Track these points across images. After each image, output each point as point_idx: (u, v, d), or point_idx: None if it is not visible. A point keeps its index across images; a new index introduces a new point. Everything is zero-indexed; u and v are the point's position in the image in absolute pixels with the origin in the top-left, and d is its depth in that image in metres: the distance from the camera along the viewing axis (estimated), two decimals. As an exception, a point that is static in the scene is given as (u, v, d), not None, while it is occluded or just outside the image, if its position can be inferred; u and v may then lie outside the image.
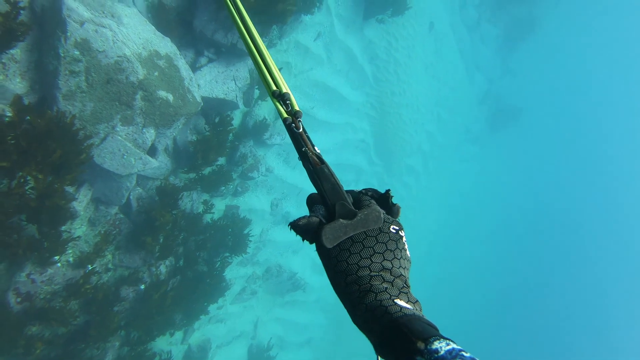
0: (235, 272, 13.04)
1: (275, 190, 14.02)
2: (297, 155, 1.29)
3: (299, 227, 1.07)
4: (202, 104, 8.39)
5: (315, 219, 1.08)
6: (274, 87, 1.46)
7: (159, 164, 8.30)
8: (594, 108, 47.54)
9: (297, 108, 1.38)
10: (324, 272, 1.11)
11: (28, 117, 6.15)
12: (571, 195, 47.81)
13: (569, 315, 45.44)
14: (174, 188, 9.04)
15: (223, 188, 11.11)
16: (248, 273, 14.20)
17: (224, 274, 11.51)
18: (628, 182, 49.52)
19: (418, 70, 18.97)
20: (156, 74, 7.28)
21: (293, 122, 1.33)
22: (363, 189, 1.22)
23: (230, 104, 9.66)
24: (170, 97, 7.52)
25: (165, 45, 7.60)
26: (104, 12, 6.68)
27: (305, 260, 16.77)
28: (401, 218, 1.17)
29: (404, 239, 1.11)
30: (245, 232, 11.64)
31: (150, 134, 7.56)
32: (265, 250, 14.40)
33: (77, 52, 6.34)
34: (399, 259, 1.05)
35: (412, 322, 0.81)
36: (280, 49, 11.82)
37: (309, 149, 1.25)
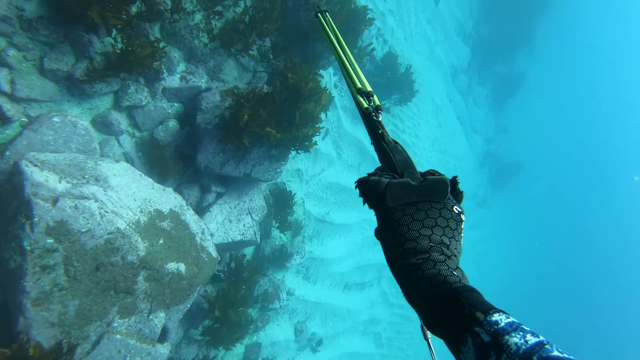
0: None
1: (298, 312, 12.00)
2: (370, 142, 1.42)
3: (368, 183, 1.07)
4: (219, 259, 6.54)
5: (385, 179, 1.06)
6: (359, 86, 1.57)
7: (171, 347, 6.28)
8: (589, 150, 47.71)
9: (378, 103, 1.49)
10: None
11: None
12: (585, 238, 46.52)
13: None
14: (190, 367, 6.96)
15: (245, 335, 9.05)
16: (280, 414, 11.87)
17: None
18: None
19: (426, 148, 17.74)
20: (161, 241, 5.45)
21: (374, 111, 1.43)
22: (429, 170, 1.16)
23: (247, 243, 7.83)
24: (182, 267, 5.65)
25: (168, 200, 5.83)
26: (84, 177, 4.93)
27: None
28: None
29: (463, 225, 1.08)
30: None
31: (159, 319, 5.61)
32: (293, 382, 12.17)
33: (50, 241, 4.51)
34: (456, 240, 1.03)
35: (472, 294, 0.79)
36: (290, 156, 10.26)
37: (385, 132, 1.35)
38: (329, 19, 2.18)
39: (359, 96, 1.54)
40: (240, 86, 7.33)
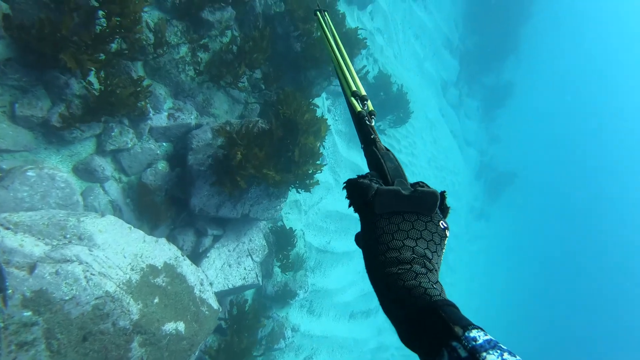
0: None
1: (304, 349, 11.42)
2: (361, 146, 1.40)
3: (358, 185, 1.04)
4: (220, 310, 5.99)
5: (375, 184, 1.02)
6: (354, 89, 1.55)
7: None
8: (581, 152, 48.07)
9: (372, 108, 1.48)
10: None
11: None
12: (584, 242, 46.36)
13: None
14: None
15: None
16: None
17: None
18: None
19: (423, 167, 17.41)
20: (156, 300, 4.90)
21: (367, 116, 1.41)
22: (419, 181, 1.13)
23: (249, 287, 7.28)
24: (182, 326, 5.09)
25: (161, 252, 5.29)
26: (66, 237, 4.39)
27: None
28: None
29: (446, 241, 1.05)
30: None
31: (157, 386, 5.02)
32: None
33: (27, 314, 3.95)
34: (438, 256, 1.00)
35: (451, 308, 0.79)
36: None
37: (377, 137, 1.32)
38: (327, 18, 2.15)
39: (352, 99, 1.52)
40: (232, 121, 6.86)
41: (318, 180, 6.89)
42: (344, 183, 1.10)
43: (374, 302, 15.20)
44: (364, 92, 1.54)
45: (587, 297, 44.78)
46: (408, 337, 0.82)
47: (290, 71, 8.30)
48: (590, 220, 47.49)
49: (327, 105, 11.62)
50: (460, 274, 24.59)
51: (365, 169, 9.60)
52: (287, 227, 8.84)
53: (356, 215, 1.08)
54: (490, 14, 25.21)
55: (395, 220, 0.99)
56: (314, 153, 6.40)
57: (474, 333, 0.70)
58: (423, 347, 0.77)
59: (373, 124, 1.40)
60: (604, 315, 43.92)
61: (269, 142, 6.11)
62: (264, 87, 7.74)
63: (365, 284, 14.12)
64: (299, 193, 7.12)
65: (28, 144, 5.12)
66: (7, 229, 4.07)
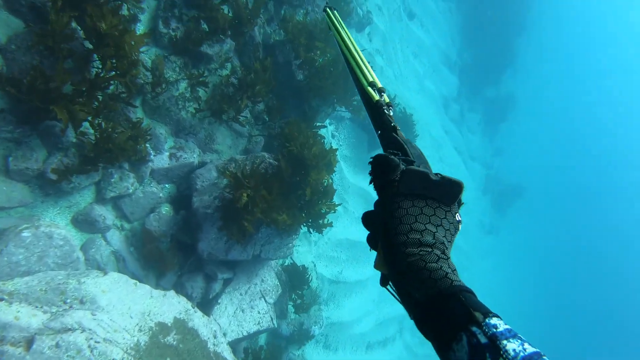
0: None
1: (323, 384, 10.90)
2: (377, 132, 1.37)
3: (387, 162, 1.01)
4: (235, 362, 5.57)
5: (402, 164, 1.01)
6: (370, 80, 1.52)
7: None
8: (586, 159, 47.78)
9: (388, 101, 1.44)
10: None
11: None
12: (596, 248, 45.72)
13: None
14: None
15: None
16: None
17: None
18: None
19: (430, 187, 17.03)
20: (167, 362, 4.49)
21: (384, 106, 1.38)
22: (437, 172, 1.06)
23: (264, 331, 6.85)
24: (195, 389, 4.67)
25: (170, 306, 4.90)
26: (66, 302, 4.01)
27: None
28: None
29: (457, 234, 1.01)
30: None
31: None
32: None
33: (28, 397, 3.55)
34: (451, 246, 0.98)
35: (471, 295, 0.77)
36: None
37: (397, 126, 1.28)
38: (336, 15, 2.13)
39: (369, 88, 1.48)
40: (237, 157, 6.54)
41: (332, 222, 6.49)
42: (371, 158, 1.05)
43: (390, 329, 14.68)
44: (380, 85, 1.50)
45: (603, 305, 43.99)
46: (423, 320, 0.80)
47: (293, 99, 8.03)
48: (601, 228, 46.94)
49: (330, 131, 11.33)
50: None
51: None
52: (299, 265, 8.45)
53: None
54: (486, 27, 25.15)
55: (418, 203, 0.96)
56: (327, 191, 6.03)
57: (494, 320, 0.69)
58: (438, 329, 0.75)
59: (391, 114, 1.37)
60: (616, 324, 43.11)
61: (277, 183, 5.75)
62: (267, 119, 7.44)
63: (380, 312, 13.65)
64: (310, 233, 6.74)
65: (23, 199, 4.80)
66: (1, 300, 3.70)
